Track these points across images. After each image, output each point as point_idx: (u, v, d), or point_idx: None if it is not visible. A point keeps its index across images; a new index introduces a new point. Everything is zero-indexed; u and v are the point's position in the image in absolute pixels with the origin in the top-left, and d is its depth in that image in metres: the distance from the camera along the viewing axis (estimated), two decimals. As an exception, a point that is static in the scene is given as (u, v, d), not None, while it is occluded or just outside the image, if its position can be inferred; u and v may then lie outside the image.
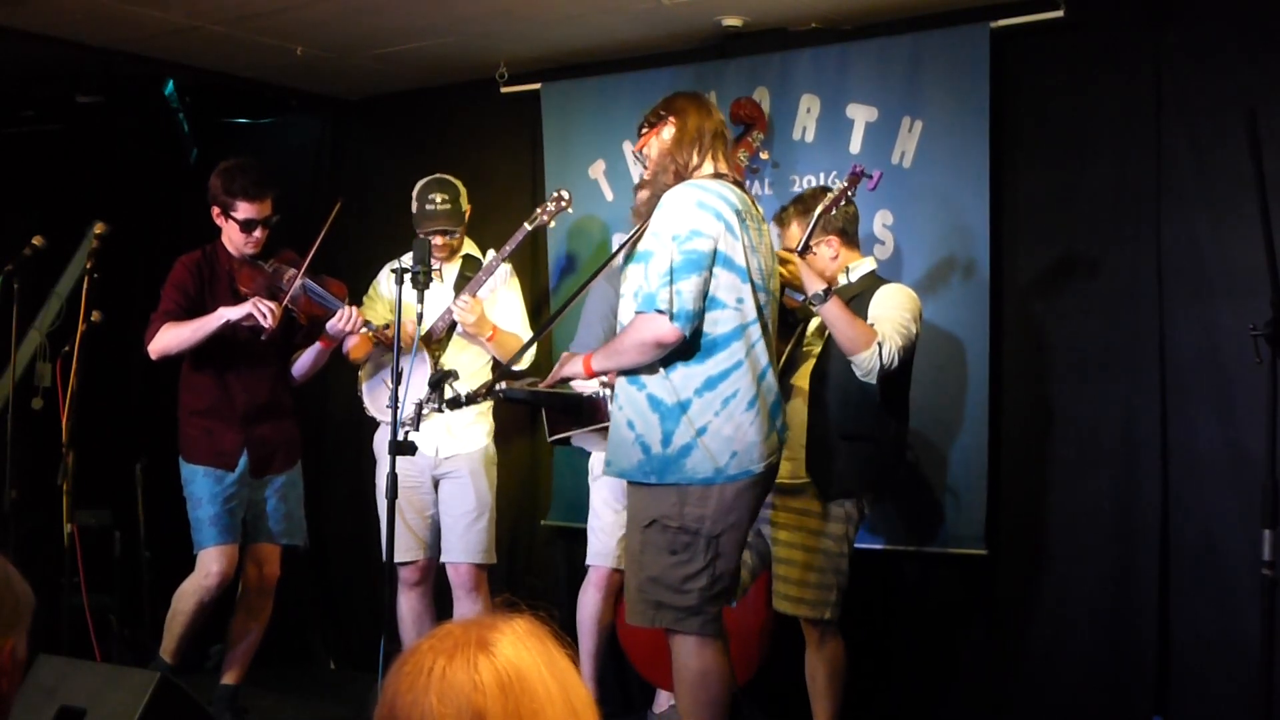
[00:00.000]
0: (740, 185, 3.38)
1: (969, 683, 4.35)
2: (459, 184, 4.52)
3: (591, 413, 3.75)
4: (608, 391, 3.58)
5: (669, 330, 3.16)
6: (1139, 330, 4.06)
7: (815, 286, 3.63)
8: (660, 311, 3.15)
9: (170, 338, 4.26)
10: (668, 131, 3.39)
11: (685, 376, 3.21)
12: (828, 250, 3.85)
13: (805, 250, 3.74)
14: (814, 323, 3.85)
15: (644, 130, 3.48)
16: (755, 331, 3.24)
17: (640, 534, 3.27)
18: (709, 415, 3.19)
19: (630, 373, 3.28)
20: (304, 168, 5.87)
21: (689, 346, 3.21)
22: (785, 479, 3.80)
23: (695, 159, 3.34)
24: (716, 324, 3.20)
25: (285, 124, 6.05)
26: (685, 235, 3.17)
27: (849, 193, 3.74)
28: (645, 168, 3.48)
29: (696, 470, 3.19)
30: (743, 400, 3.21)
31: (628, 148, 4.60)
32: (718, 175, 3.34)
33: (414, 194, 4.51)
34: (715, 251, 3.18)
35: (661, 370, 3.23)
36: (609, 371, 3.40)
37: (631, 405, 3.27)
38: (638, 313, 3.22)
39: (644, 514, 3.26)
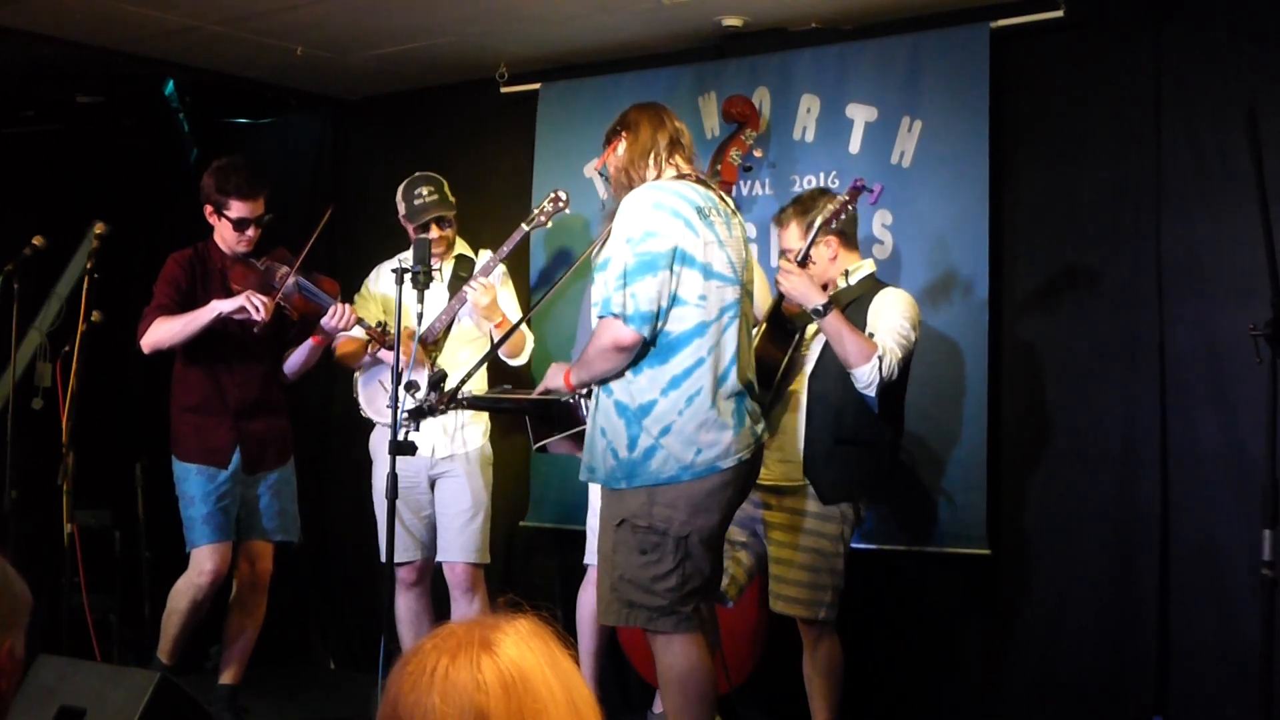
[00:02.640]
0: (705, 184, 3.37)
1: (969, 682, 4.35)
2: (440, 177, 4.55)
3: (566, 417, 3.75)
4: (583, 398, 3.58)
5: (627, 334, 3.16)
6: (1139, 330, 4.06)
7: (816, 300, 3.63)
8: (616, 315, 3.16)
9: (163, 331, 4.26)
10: (622, 146, 3.40)
11: (651, 378, 3.21)
12: (826, 251, 3.84)
13: (805, 261, 3.73)
14: (811, 327, 3.84)
15: (604, 148, 3.49)
16: (719, 328, 3.23)
17: (612, 534, 3.27)
18: (674, 414, 3.19)
19: (602, 380, 3.29)
20: (304, 168, 5.87)
21: (652, 346, 3.20)
22: (781, 481, 3.80)
23: (652, 170, 3.34)
24: (679, 321, 3.20)
25: (285, 124, 6.05)
26: (639, 237, 3.17)
27: (849, 205, 3.74)
28: (607, 183, 3.49)
29: (662, 470, 3.19)
30: (707, 397, 3.20)
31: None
32: (680, 177, 3.33)
33: (399, 196, 4.52)
34: (675, 251, 3.17)
35: (629, 375, 3.23)
36: (587, 384, 3.40)
37: (603, 412, 3.28)
38: (599, 319, 3.24)
39: (615, 514, 3.27)
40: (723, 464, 3.22)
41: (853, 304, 3.77)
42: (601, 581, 3.34)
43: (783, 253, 3.93)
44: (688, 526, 3.21)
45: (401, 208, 4.52)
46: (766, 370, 3.76)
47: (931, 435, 4.28)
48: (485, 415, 4.58)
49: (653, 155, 3.34)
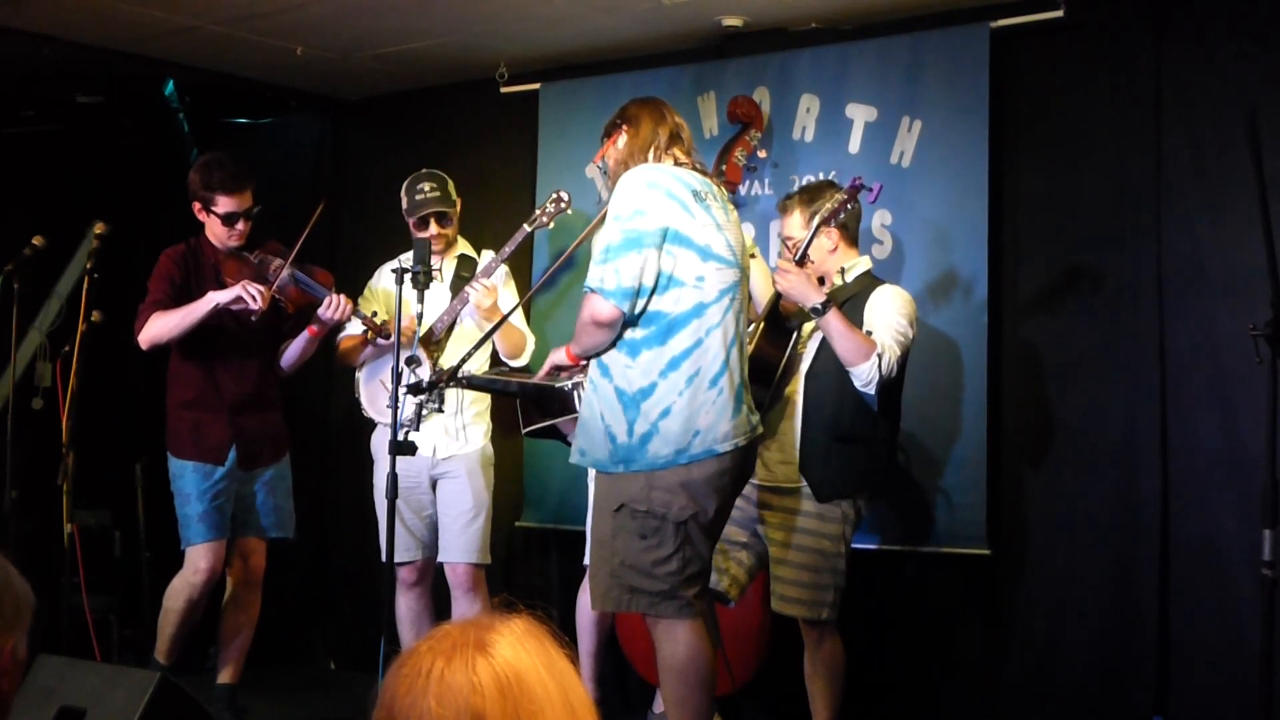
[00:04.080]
0: (702, 171, 3.40)
1: (969, 682, 4.34)
2: (446, 175, 4.56)
3: (561, 404, 3.76)
4: (580, 384, 3.60)
5: (605, 307, 3.18)
6: (1139, 330, 4.06)
7: (814, 299, 3.63)
8: (595, 290, 3.19)
9: (160, 325, 4.26)
10: (622, 140, 3.42)
11: (650, 360, 3.21)
12: (826, 242, 3.84)
13: (803, 260, 3.73)
14: (808, 325, 3.84)
15: (602, 141, 3.50)
16: (717, 310, 3.24)
17: (611, 519, 3.27)
18: (673, 396, 3.19)
19: (601, 365, 3.30)
20: (304, 168, 5.87)
21: (649, 327, 3.21)
22: (781, 482, 3.80)
23: (651, 163, 3.35)
24: (677, 302, 3.21)
25: (285, 124, 6.05)
26: (627, 215, 3.19)
27: (848, 204, 3.74)
28: (607, 176, 3.50)
29: (659, 454, 3.20)
30: (705, 378, 3.21)
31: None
32: (677, 165, 3.36)
33: (402, 191, 4.54)
34: (665, 230, 3.18)
35: (627, 360, 3.24)
36: (586, 356, 3.42)
37: (601, 397, 3.29)
38: (584, 292, 3.27)
39: (613, 499, 3.27)
40: (719, 448, 3.21)
41: (849, 301, 3.77)
42: (599, 568, 3.33)
43: (784, 241, 3.92)
44: (686, 511, 3.21)
45: (404, 202, 4.54)
46: (765, 369, 3.76)
47: (932, 435, 4.28)
48: (487, 416, 4.58)
49: (653, 149, 3.35)
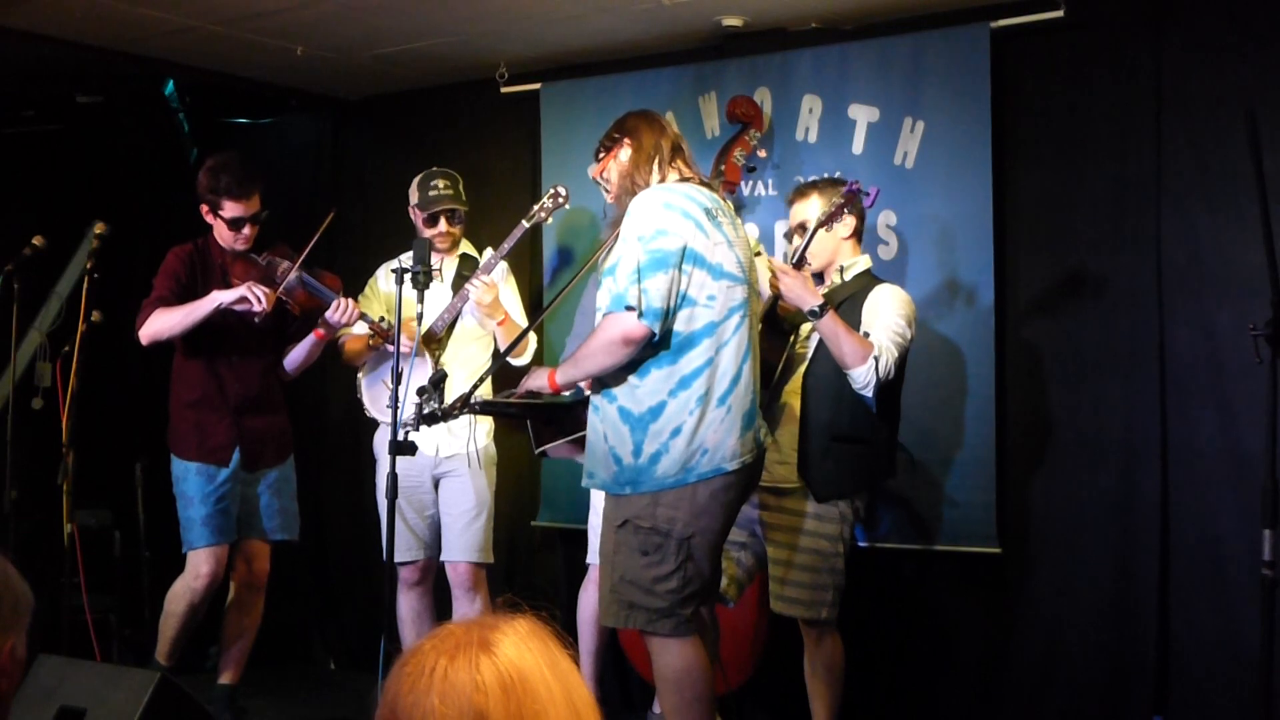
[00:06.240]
0: (709, 187, 3.40)
1: (969, 682, 4.34)
2: (458, 175, 4.58)
3: (570, 422, 3.74)
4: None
5: (637, 327, 3.16)
6: (1139, 330, 4.06)
7: (811, 302, 3.63)
8: (630, 308, 3.16)
9: (162, 322, 4.25)
10: (624, 153, 3.41)
11: (660, 379, 3.21)
12: (842, 230, 3.84)
13: (800, 262, 3.73)
14: (806, 326, 3.84)
15: (600, 155, 3.49)
16: (728, 328, 3.24)
17: (614, 534, 3.27)
18: (683, 415, 3.18)
19: (604, 386, 3.29)
20: (304, 168, 5.87)
21: (661, 346, 3.21)
22: (778, 482, 3.79)
23: (656, 174, 3.35)
24: (690, 321, 3.21)
25: (285, 124, 6.05)
26: (650, 235, 3.18)
27: (844, 209, 3.75)
28: (607, 191, 3.49)
29: (668, 473, 3.19)
30: (714, 397, 3.21)
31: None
32: (683, 180, 3.36)
33: (414, 185, 4.55)
34: (685, 249, 3.18)
35: (634, 380, 3.23)
36: (573, 384, 3.38)
37: (605, 419, 3.28)
38: (606, 313, 3.23)
39: (618, 515, 3.27)
40: (727, 466, 3.22)
41: (847, 301, 3.77)
42: (603, 583, 3.34)
43: (797, 227, 3.90)
44: (690, 528, 3.21)
45: (414, 196, 4.53)
46: (764, 370, 3.75)
47: (941, 435, 4.27)
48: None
49: (657, 160, 3.36)
